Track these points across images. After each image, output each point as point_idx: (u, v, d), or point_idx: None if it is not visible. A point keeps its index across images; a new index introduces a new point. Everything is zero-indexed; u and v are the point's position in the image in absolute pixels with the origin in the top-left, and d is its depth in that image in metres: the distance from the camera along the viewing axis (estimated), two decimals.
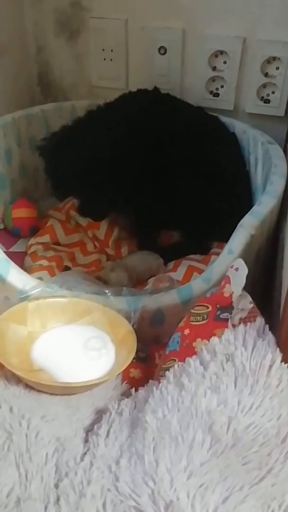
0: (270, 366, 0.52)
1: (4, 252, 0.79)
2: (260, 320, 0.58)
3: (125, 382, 0.70)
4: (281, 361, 0.52)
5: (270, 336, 0.56)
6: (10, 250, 1.06)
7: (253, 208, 0.83)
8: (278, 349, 0.53)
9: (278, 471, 0.47)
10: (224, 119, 1.14)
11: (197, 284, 0.75)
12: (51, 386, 0.65)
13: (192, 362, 0.57)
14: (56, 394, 0.66)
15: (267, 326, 0.57)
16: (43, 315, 0.74)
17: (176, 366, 0.60)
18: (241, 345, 0.55)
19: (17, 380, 0.67)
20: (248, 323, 0.58)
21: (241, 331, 0.57)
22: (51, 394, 0.66)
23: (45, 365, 0.68)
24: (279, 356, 0.53)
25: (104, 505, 0.47)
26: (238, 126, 1.12)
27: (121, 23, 1.17)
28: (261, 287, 0.85)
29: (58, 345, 0.72)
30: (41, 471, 0.53)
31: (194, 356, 0.58)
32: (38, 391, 0.66)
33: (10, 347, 0.67)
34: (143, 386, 0.65)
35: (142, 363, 0.72)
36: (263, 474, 0.47)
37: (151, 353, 0.75)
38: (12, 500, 0.49)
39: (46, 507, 0.49)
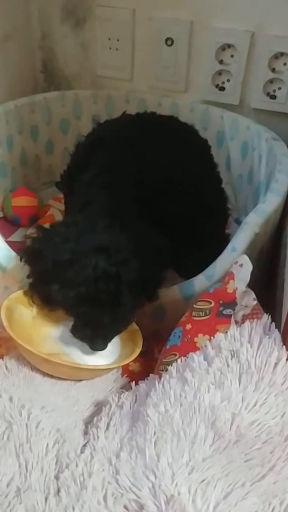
0: (276, 364, 0.52)
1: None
2: (266, 317, 0.58)
3: (125, 375, 0.70)
4: (287, 359, 0.52)
5: (276, 334, 0.56)
6: (9, 239, 1.05)
7: (258, 206, 0.82)
8: (284, 347, 0.53)
9: (280, 469, 0.47)
10: (228, 114, 1.13)
11: (199, 281, 0.75)
12: (64, 366, 0.65)
13: (196, 357, 0.57)
14: (60, 379, 0.66)
15: (273, 324, 0.57)
16: None
17: (179, 361, 0.59)
18: (247, 341, 0.55)
19: (17, 369, 0.67)
20: (255, 320, 0.58)
21: (247, 327, 0.57)
22: (51, 384, 0.66)
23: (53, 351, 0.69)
24: (285, 354, 0.53)
25: (105, 497, 0.47)
26: (242, 121, 1.11)
27: (129, 12, 1.15)
28: (263, 285, 0.85)
29: (64, 336, 0.72)
30: (42, 462, 0.52)
31: (198, 352, 0.58)
32: (38, 380, 0.66)
33: (15, 328, 0.66)
34: (143, 379, 0.65)
35: (142, 357, 0.72)
36: (265, 472, 0.47)
37: (150, 348, 0.75)
38: (12, 490, 0.49)
39: (46, 498, 0.48)
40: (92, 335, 0.67)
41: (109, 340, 0.69)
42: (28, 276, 0.72)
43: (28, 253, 0.72)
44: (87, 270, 0.64)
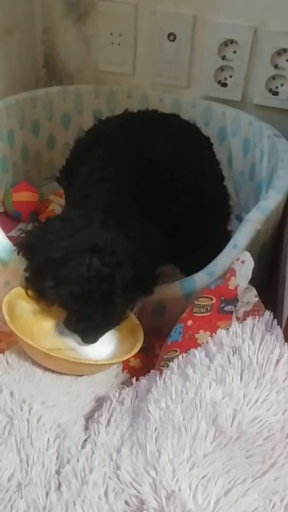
0: (278, 361, 0.52)
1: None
2: (268, 314, 0.58)
3: (126, 371, 0.70)
4: None
5: (278, 331, 0.55)
6: (10, 234, 1.05)
7: (260, 203, 0.82)
8: (286, 343, 0.53)
9: (281, 466, 0.47)
10: (230, 110, 1.13)
11: (200, 277, 0.75)
12: (65, 361, 0.65)
13: (198, 353, 0.57)
14: (61, 374, 0.66)
15: (275, 321, 0.57)
16: None
17: (180, 357, 0.59)
18: (249, 338, 0.55)
19: (18, 364, 0.67)
20: (256, 317, 0.58)
21: (249, 324, 0.57)
22: (52, 379, 0.66)
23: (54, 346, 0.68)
24: (287, 351, 0.53)
25: (106, 493, 0.47)
26: (244, 118, 1.11)
27: (131, 7, 1.14)
28: (264, 282, 0.85)
29: (65, 331, 0.71)
30: (43, 456, 0.52)
31: (199, 348, 0.58)
32: (39, 375, 0.66)
33: (17, 323, 0.66)
34: (143, 375, 0.65)
35: (142, 353, 0.72)
36: (266, 468, 0.47)
37: (151, 343, 0.75)
38: (13, 485, 0.49)
39: (47, 493, 0.48)
40: (84, 328, 0.69)
41: (101, 334, 0.69)
42: (25, 270, 0.72)
43: (23, 247, 0.72)
44: (80, 269, 0.64)
